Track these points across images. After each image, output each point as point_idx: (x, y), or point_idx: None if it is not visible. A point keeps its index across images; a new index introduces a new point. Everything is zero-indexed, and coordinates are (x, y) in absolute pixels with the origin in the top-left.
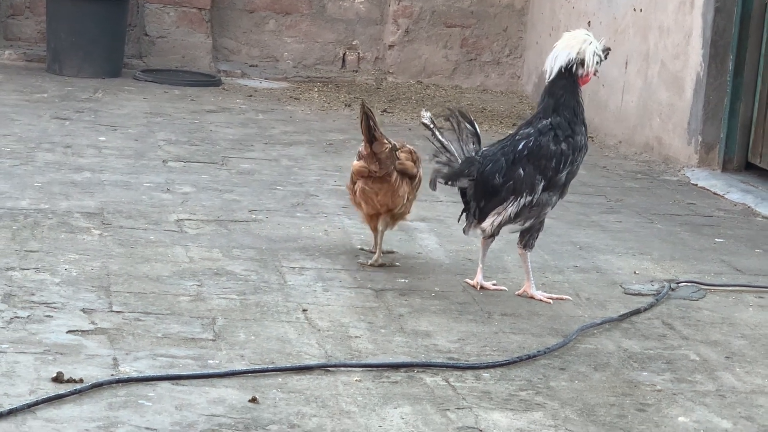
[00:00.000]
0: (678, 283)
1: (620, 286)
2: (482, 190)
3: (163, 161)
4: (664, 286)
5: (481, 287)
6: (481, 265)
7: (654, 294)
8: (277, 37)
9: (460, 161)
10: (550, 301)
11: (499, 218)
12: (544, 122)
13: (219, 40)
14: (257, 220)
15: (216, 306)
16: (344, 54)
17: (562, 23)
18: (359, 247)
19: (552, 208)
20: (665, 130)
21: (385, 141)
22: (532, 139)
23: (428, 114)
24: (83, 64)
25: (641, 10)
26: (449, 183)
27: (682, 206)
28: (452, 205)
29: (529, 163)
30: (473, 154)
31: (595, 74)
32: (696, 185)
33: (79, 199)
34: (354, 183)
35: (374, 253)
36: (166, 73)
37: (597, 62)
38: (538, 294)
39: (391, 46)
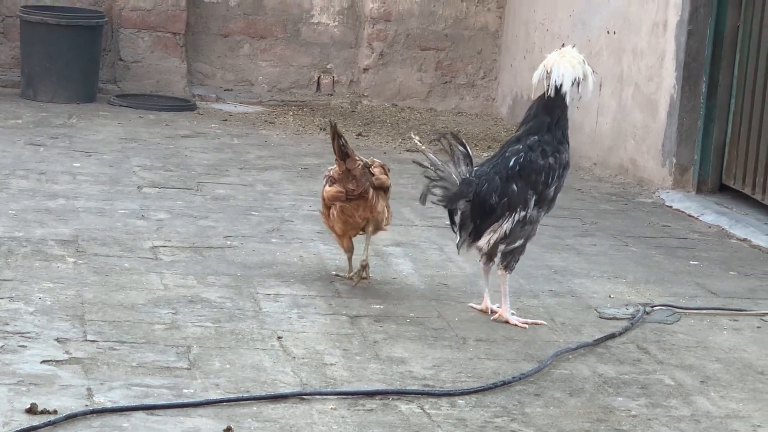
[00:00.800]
0: (653, 306)
1: (595, 310)
2: (479, 210)
3: (138, 187)
4: (638, 310)
5: (492, 311)
6: (487, 290)
7: (629, 318)
8: (252, 61)
9: (458, 183)
10: (526, 326)
11: (496, 235)
12: (533, 138)
13: (193, 64)
14: (232, 246)
15: (191, 334)
16: (319, 77)
17: (537, 46)
18: (334, 273)
19: (538, 224)
20: (640, 152)
21: (357, 158)
22: (522, 154)
23: (417, 137)
24: (57, 90)
25: (615, 33)
26: (447, 206)
27: (656, 228)
28: (427, 229)
29: (520, 179)
30: (468, 175)
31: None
32: (670, 207)
33: (53, 227)
34: (328, 208)
35: (349, 278)
36: (140, 97)
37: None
38: (513, 319)
39: (365, 70)
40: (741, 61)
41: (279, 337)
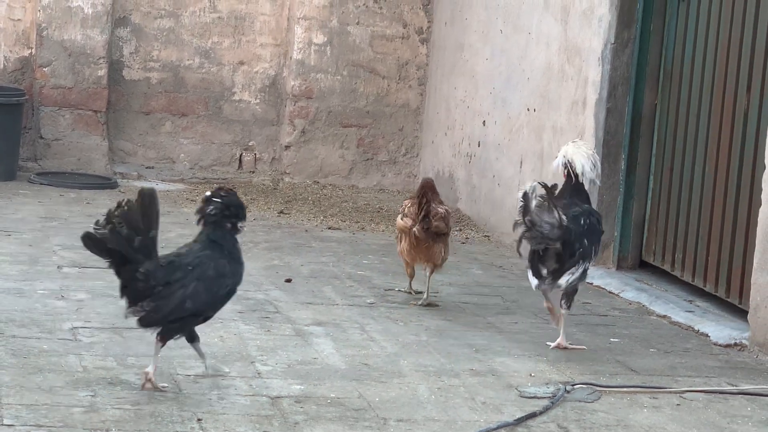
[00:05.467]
0: (573, 385)
1: (516, 389)
2: (567, 252)
3: (58, 267)
4: (559, 389)
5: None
6: (562, 331)
7: (550, 397)
8: (174, 138)
9: (558, 226)
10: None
11: (572, 277)
12: (585, 206)
13: (115, 142)
14: None
15: (110, 417)
16: (241, 155)
17: (458, 122)
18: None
19: None
20: None
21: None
22: (585, 217)
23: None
24: None
25: (535, 110)
26: (551, 244)
27: (577, 306)
28: (348, 308)
29: (590, 236)
30: (564, 222)
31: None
32: (591, 284)
33: None
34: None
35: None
36: (61, 175)
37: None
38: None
39: (287, 147)
40: (659, 139)
41: (199, 419)
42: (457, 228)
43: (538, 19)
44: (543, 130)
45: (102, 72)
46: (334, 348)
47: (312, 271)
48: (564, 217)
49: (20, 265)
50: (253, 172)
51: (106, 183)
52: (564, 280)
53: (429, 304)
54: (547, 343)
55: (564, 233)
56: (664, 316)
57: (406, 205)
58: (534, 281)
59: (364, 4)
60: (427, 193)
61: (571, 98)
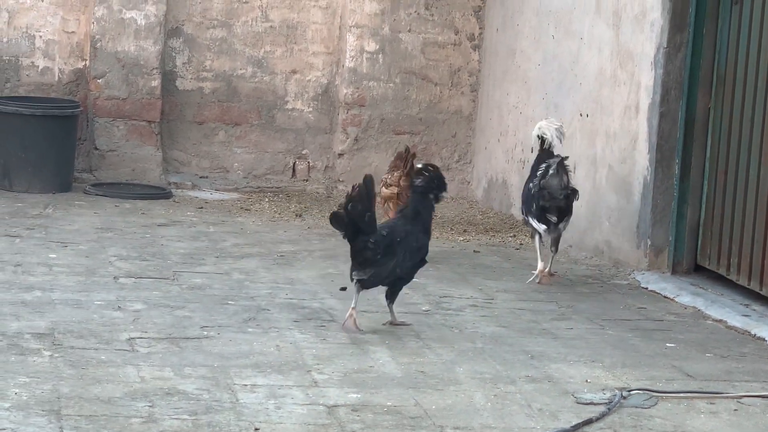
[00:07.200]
0: (629, 391)
1: (572, 395)
2: (566, 206)
3: (114, 278)
4: (615, 395)
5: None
6: (543, 260)
7: (606, 403)
8: (227, 147)
9: (563, 189)
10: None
11: (566, 224)
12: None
13: (169, 152)
14: (209, 336)
15: (168, 427)
16: (294, 163)
17: (510, 129)
18: None
19: None
20: (615, 233)
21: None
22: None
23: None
24: (33, 180)
25: (587, 116)
26: (561, 196)
27: (632, 311)
28: (402, 316)
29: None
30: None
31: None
32: (646, 289)
33: (29, 320)
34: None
35: None
36: (116, 186)
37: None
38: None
39: (340, 155)
40: (713, 143)
41: (256, 429)
42: (511, 234)
43: (589, 24)
44: (596, 135)
45: (155, 83)
46: (389, 356)
47: None
48: (570, 182)
49: (77, 276)
50: (307, 180)
51: (160, 193)
52: (561, 226)
53: None
54: (532, 271)
55: (568, 193)
56: (720, 321)
57: (387, 178)
58: (542, 227)
59: (415, 12)
60: (409, 156)
61: (624, 103)
